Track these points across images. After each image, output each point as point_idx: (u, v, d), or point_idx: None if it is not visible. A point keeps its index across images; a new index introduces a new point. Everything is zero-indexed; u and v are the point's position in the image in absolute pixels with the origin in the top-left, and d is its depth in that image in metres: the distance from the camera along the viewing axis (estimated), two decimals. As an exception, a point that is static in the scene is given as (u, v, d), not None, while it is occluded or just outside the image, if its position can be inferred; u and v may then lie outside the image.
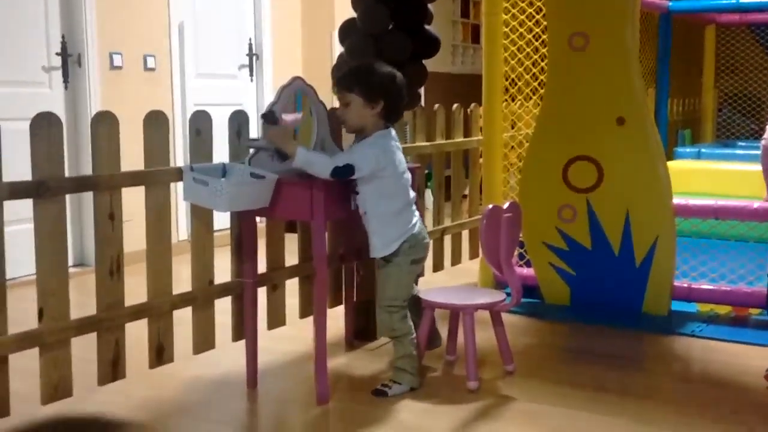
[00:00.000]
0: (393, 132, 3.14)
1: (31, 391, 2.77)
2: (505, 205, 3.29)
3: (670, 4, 7.24)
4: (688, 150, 7.47)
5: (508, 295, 3.39)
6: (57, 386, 2.74)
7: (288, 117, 3.08)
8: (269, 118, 3.01)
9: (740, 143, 8.23)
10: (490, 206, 3.27)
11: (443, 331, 3.51)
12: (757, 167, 3.86)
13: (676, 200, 4.08)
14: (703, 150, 7.47)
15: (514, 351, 3.39)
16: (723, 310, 4.16)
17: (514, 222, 3.30)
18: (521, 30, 4.64)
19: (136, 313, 2.98)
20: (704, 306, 4.19)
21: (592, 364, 3.51)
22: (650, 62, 7.07)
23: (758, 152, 3.83)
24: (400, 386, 3.12)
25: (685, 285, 4.17)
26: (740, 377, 3.32)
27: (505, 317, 3.41)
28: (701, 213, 4.18)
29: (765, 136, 3.75)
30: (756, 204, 3.97)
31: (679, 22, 7.50)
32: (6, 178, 2.59)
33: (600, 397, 3.12)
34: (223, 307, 3.30)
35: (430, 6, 3.64)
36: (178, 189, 3.40)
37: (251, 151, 3.12)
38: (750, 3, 7.04)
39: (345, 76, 3.09)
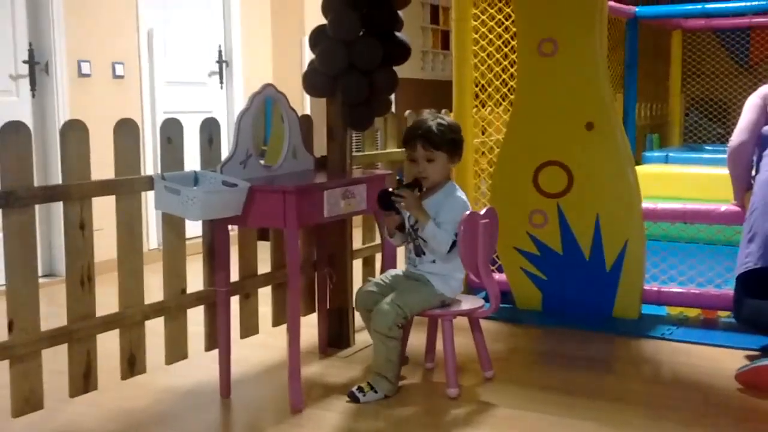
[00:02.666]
0: None
1: (2, 404, 2.74)
2: (482, 211, 3.30)
3: (637, 9, 7.33)
4: (656, 154, 7.56)
5: (485, 300, 3.40)
6: (28, 399, 2.72)
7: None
8: (416, 186, 3.14)
9: (707, 147, 8.34)
10: (467, 212, 3.28)
11: (422, 338, 3.50)
12: (724, 171, 3.90)
13: (645, 204, 4.12)
14: (670, 154, 7.56)
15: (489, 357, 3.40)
16: (692, 312, 4.21)
17: (491, 228, 3.31)
18: (491, 36, 4.66)
19: (108, 323, 2.96)
20: (674, 309, 4.24)
21: (565, 368, 3.53)
22: (618, 68, 7.14)
23: (725, 156, 3.87)
24: (375, 394, 3.12)
25: (655, 288, 4.21)
26: (709, 379, 3.35)
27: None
28: (670, 217, 4.23)
29: (731, 139, 3.79)
30: (723, 207, 4.02)
31: (645, 27, 7.58)
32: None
33: (574, 401, 3.14)
34: (196, 317, 3.28)
35: (400, 12, 3.65)
36: (149, 197, 3.38)
37: (223, 158, 3.11)
38: (715, 8, 7.13)
39: (434, 135, 3.15)
